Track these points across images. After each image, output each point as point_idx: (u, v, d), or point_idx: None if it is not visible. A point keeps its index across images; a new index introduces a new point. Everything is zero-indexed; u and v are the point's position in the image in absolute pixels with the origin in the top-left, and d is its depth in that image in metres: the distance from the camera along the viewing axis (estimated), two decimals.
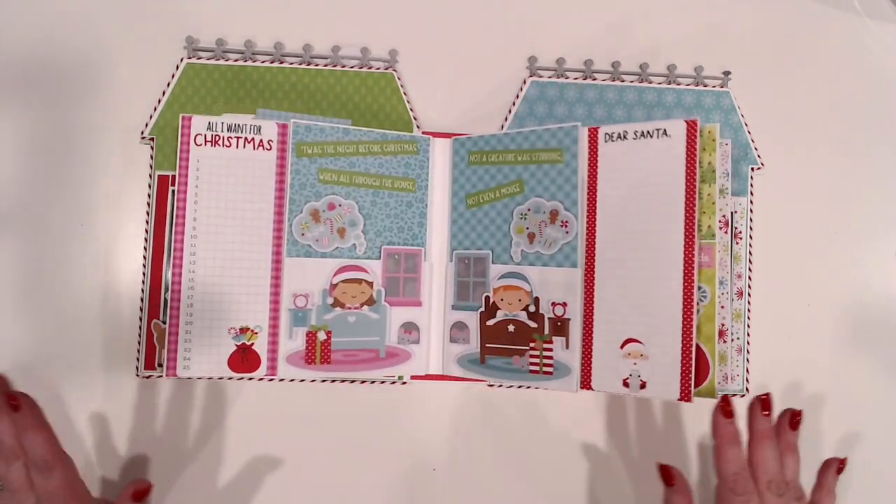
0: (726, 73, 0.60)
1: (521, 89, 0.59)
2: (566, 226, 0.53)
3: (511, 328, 0.54)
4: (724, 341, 0.55)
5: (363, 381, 0.56)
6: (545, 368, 0.53)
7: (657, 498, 0.57)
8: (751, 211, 0.58)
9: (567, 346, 0.53)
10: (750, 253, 0.57)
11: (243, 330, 0.53)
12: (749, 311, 0.57)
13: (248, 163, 0.54)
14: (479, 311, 0.55)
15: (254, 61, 0.57)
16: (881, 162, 0.61)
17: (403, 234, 0.56)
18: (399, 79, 0.58)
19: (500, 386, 0.57)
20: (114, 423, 0.54)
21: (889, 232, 0.60)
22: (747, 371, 0.57)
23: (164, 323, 0.53)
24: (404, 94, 0.58)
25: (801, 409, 0.46)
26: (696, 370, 0.49)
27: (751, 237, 0.58)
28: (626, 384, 0.51)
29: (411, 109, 0.58)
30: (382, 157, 0.55)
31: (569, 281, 0.53)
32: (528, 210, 0.54)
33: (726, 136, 0.58)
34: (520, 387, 0.56)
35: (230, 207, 0.53)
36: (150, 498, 0.47)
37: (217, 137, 0.53)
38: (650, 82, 0.59)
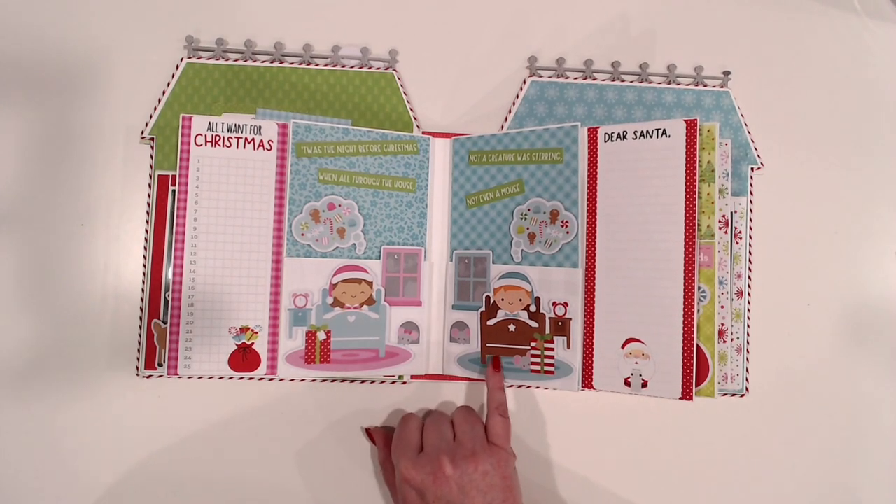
0: (726, 73, 0.60)
1: (521, 89, 0.59)
2: (566, 226, 0.53)
3: (512, 328, 0.54)
4: (724, 341, 0.55)
5: (363, 381, 0.56)
6: (546, 368, 0.53)
7: (658, 497, 0.57)
8: (750, 211, 0.58)
9: (568, 346, 0.53)
10: (750, 253, 0.57)
11: (243, 329, 0.53)
12: (749, 310, 0.57)
13: (249, 163, 0.54)
14: (480, 310, 0.55)
15: (254, 61, 0.57)
16: (881, 162, 0.61)
17: (403, 233, 0.56)
18: (399, 79, 0.58)
19: None
20: (114, 422, 0.54)
21: (888, 232, 0.60)
22: (747, 371, 0.57)
23: (165, 323, 0.53)
24: (404, 94, 0.58)
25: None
26: (695, 370, 0.49)
27: (750, 237, 0.58)
28: (627, 383, 0.51)
29: (411, 109, 0.58)
30: (382, 157, 0.55)
31: (569, 281, 0.53)
32: (529, 210, 0.54)
33: (726, 136, 0.58)
34: (520, 386, 0.56)
35: (230, 207, 0.53)
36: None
37: (217, 137, 0.53)
38: (650, 82, 0.59)
